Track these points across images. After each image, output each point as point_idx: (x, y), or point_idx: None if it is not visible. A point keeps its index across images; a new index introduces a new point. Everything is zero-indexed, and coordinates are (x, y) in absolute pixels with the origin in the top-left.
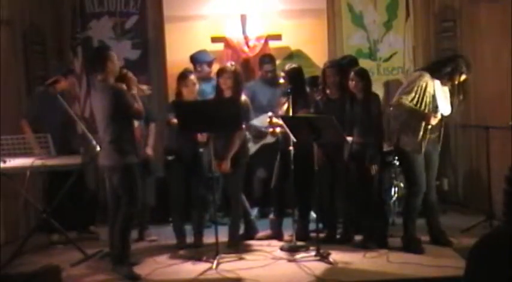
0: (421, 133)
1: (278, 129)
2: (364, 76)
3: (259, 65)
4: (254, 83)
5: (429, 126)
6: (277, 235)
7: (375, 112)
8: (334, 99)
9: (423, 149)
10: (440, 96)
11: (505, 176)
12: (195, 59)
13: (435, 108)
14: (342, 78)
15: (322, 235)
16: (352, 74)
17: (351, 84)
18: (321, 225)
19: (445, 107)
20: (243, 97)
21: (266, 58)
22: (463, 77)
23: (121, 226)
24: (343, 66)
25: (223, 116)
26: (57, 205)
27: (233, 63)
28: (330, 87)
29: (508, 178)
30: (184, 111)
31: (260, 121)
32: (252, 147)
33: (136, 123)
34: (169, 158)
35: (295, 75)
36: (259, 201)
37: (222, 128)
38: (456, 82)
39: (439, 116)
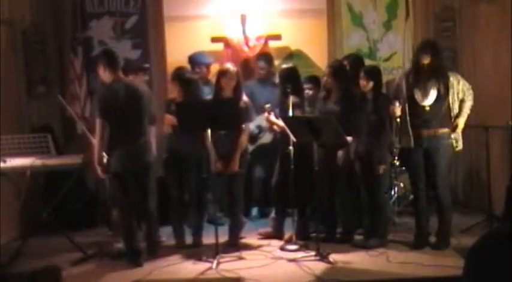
0: (400, 126)
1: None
2: (373, 75)
3: (254, 65)
4: (252, 83)
5: (398, 119)
6: (278, 234)
7: (383, 112)
8: (334, 99)
9: (412, 144)
10: (416, 85)
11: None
12: (193, 60)
13: (398, 99)
14: (339, 79)
15: (322, 235)
16: (361, 73)
17: (361, 83)
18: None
19: (420, 97)
20: (245, 97)
21: (261, 56)
22: (426, 58)
23: (153, 222)
24: (342, 66)
25: (228, 115)
26: (57, 205)
27: (233, 64)
28: (331, 88)
29: None
30: (187, 111)
31: (258, 121)
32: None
33: None
34: (164, 156)
35: (289, 76)
36: (259, 201)
37: (225, 127)
38: (421, 63)
39: (397, 105)
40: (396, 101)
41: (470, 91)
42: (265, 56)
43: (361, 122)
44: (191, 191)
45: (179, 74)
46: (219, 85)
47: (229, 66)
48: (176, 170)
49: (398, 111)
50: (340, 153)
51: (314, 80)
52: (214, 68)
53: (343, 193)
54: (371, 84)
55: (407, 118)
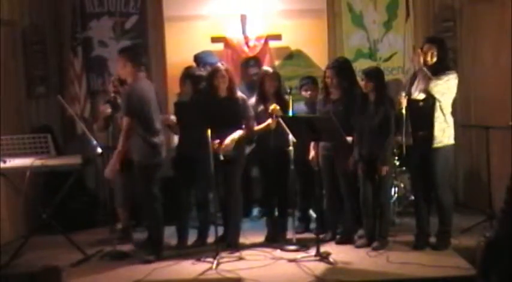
0: (404, 122)
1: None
2: (373, 76)
3: (242, 69)
4: (241, 87)
5: (403, 111)
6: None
7: (387, 112)
8: (335, 99)
9: (410, 140)
10: (417, 79)
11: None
12: (200, 59)
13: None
14: (342, 79)
15: (322, 235)
16: (362, 75)
17: (362, 84)
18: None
19: (414, 89)
20: (240, 93)
21: (251, 61)
22: (425, 46)
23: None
24: (344, 64)
25: (227, 114)
26: (57, 205)
27: (223, 62)
28: (330, 88)
29: None
30: (187, 111)
31: None
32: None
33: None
34: (172, 156)
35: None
36: (259, 201)
37: (226, 127)
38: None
39: (403, 95)
40: (402, 92)
41: (438, 88)
42: (255, 61)
43: (364, 122)
44: (199, 191)
45: (189, 72)
46: (214, 85)
47: (219, 64)
48: (184, 170)
49: (404, 101)
50: (351, 158)
51: (312, 81)
52: None
53: (344, 193)
54: (371, 85)
55: (407, 117)
